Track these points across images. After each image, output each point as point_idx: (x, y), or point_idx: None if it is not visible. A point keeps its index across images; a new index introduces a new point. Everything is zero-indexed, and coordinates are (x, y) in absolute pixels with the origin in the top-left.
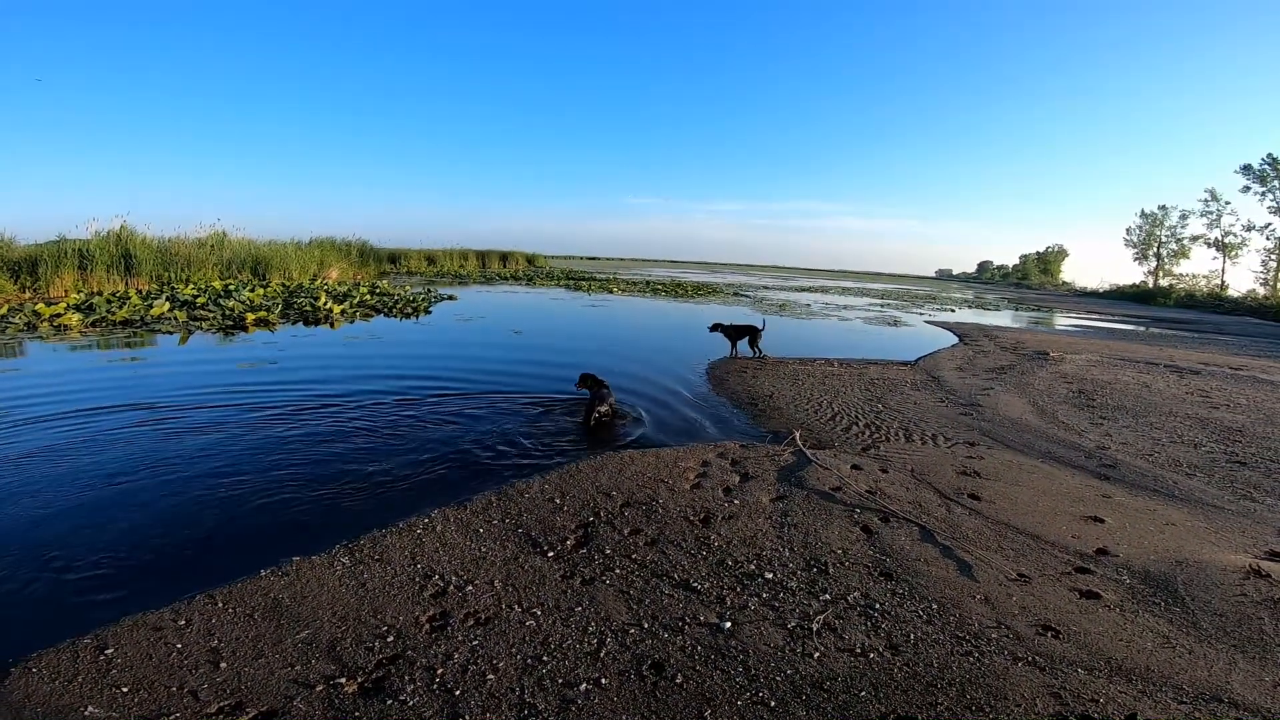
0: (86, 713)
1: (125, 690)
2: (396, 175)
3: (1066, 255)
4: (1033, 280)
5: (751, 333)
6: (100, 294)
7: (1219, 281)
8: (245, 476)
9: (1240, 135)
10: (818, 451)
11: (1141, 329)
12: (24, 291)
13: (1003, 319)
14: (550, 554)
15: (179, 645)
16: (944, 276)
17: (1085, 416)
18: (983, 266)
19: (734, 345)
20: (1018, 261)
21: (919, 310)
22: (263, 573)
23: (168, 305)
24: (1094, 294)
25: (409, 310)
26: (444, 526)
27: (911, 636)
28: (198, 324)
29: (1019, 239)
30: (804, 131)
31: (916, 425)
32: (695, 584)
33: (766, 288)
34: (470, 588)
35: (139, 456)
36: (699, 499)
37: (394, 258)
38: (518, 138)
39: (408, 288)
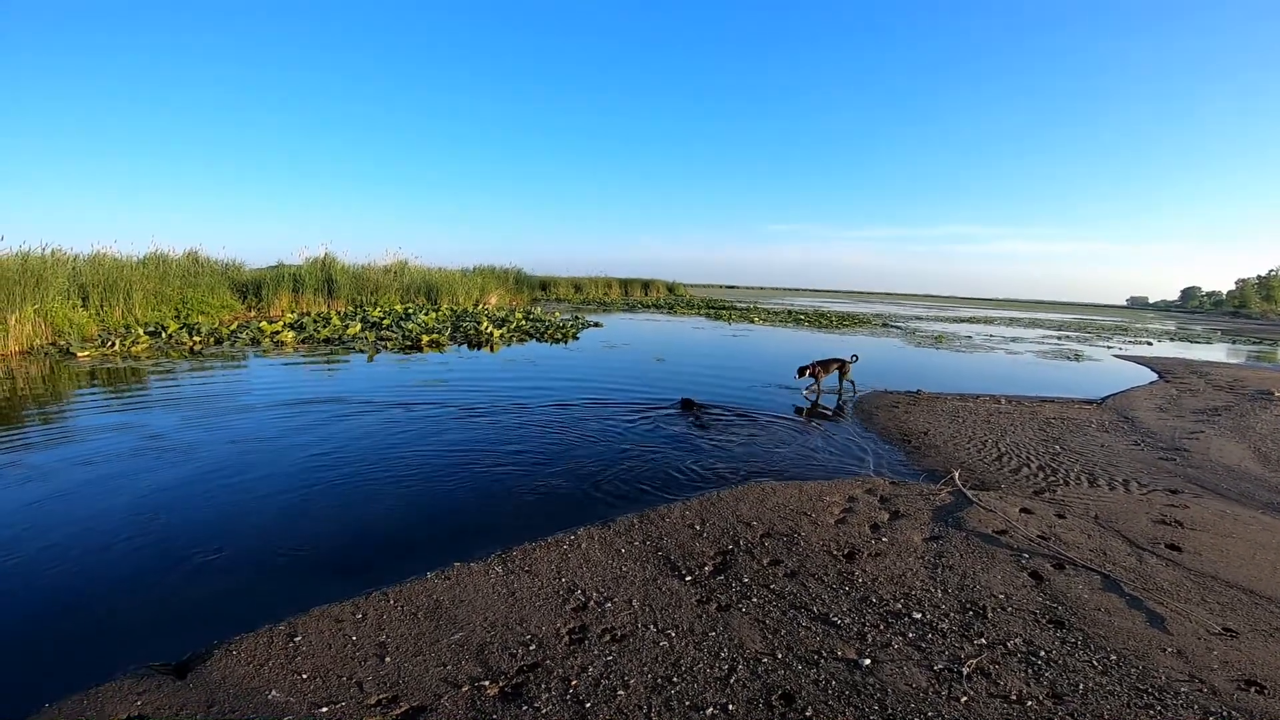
0: (270, 696)
1: (304, 677)
2: (547, 203)
3: None
4: (1252, 308)
5: (840, 366)
6: (309, 314)
7: None
8: (424, 479)
9: None
10: (980, 493)
11: None
12: (250, 310)
13: (1216, 353)
14: (688, 578)
15: (354, 637)
16: (1138, 305)
17: None
18: (1188, 293)
19: (818, 382)
20: (1234, 287)
21: (1105, 343)
22: (429, 575)
23: (360, 326)
24: None
25: (559, 336)
26: (588, 544)
27: (1081, 686)
28: (383, 343)
29: (1235, 261)
30: (964, 149)
31: (1103, 469)
32: (835, 618)
33: (919, 318)
34: (609, 604)
35: (335, 456)
36: (843, 534)
37: (544, 285)
38: (660, 168)
39: (557, 314)
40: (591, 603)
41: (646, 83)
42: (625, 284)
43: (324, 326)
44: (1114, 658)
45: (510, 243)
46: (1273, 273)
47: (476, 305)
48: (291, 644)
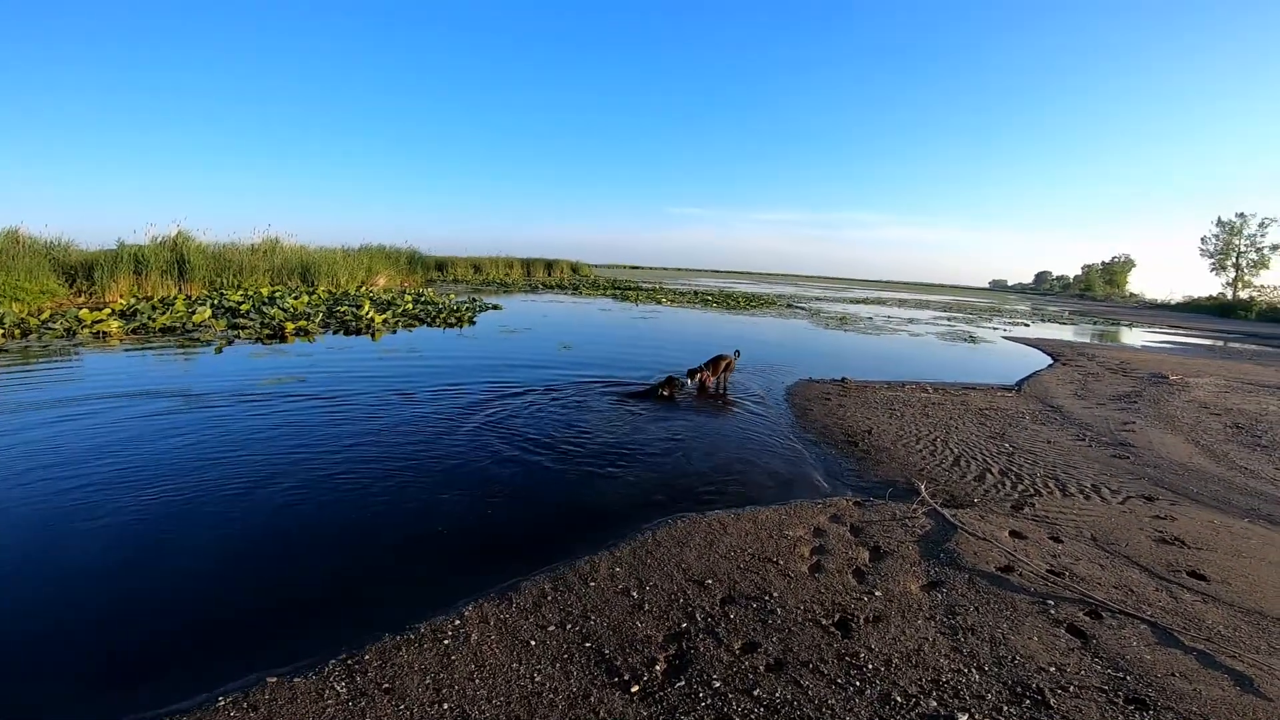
0: None
1: None
2: (444, 182)
3: (1134, 265)
4: (1097, 292)
5: (726, 362)
6: (148, 299)
7: None
8: (249, 517)
9: None
10: (957, 511)
11: (1255, 348)
12: (79, 295)
13: (1081, 334)
14: (634, 689)
15: None
16: (998, 288)
17: (1265, 458)
18: (1041, 277)
19: (706, 384)
20: (1080, 272)
21: (990, 324)
22: (221, 702)
23: (209, 313)
24: (1165, 306)
25: (453, 320)
26: (482, 634)
27: None
28: (236, 332)
29: (1079, 249)
30: (854, 142)
31: (1066, 472)
32: None
33: (819, 299)
34: None
35: (119, 480)
36: (825, 589)
37: (441, 265)
38: (561, 148)
39: (452, 296)
40: None
41: (552, 66)
42: (528, 264)
43: (163, 313)
44: None
45: (407, 225)
46: (1115, 259)
47: (361, 287)
48: None
